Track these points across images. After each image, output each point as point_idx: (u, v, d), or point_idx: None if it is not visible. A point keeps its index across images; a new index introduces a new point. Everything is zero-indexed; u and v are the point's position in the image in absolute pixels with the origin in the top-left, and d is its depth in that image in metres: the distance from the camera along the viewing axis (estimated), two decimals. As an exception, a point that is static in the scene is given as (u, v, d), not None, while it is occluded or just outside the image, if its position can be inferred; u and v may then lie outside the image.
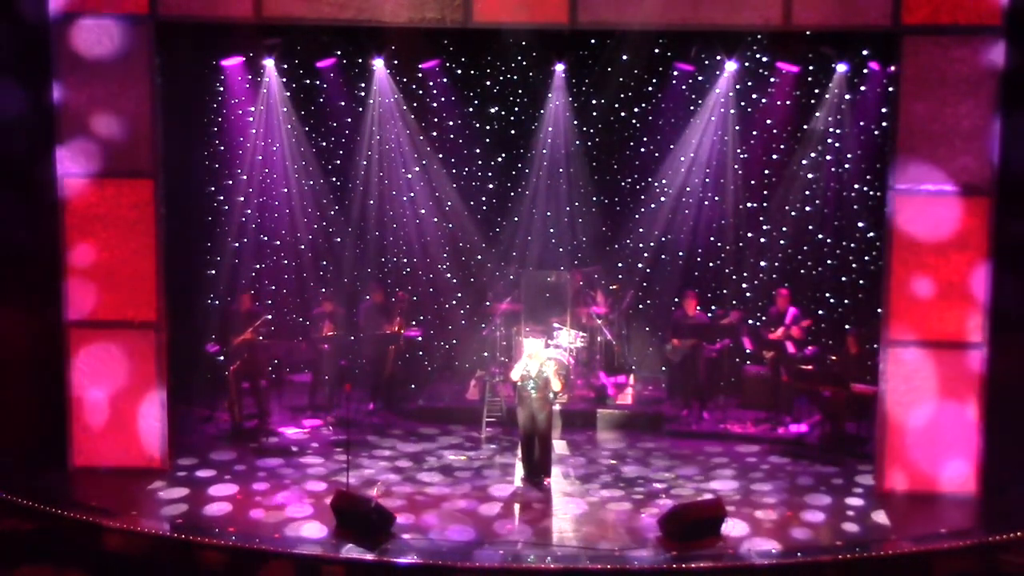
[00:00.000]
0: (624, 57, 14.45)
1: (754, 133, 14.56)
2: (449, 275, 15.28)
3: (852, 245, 14.10)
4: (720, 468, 11.94)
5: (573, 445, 12.72)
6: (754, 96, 14.37)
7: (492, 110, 15.07)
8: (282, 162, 14.48)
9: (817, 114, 14.03)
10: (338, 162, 15.02)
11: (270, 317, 13.42)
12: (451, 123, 15.05)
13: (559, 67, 14.20)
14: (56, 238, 11.17)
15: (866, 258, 13.93)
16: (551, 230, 15.20)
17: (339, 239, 15.02)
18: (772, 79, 14.14)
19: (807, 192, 14.41)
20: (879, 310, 11.39)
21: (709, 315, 14.07)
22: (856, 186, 14.00)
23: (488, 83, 14.96)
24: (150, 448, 11.43)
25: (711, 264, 14.84)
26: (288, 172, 14.58)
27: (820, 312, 14.27)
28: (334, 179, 14.99)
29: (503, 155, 15.15)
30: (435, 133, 15.00)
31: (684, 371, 13.85)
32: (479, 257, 15.29)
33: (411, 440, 12.87)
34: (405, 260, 15.17)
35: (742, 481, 11.54)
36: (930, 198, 10.77)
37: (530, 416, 11.26)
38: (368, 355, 14.18)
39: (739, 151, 14.58)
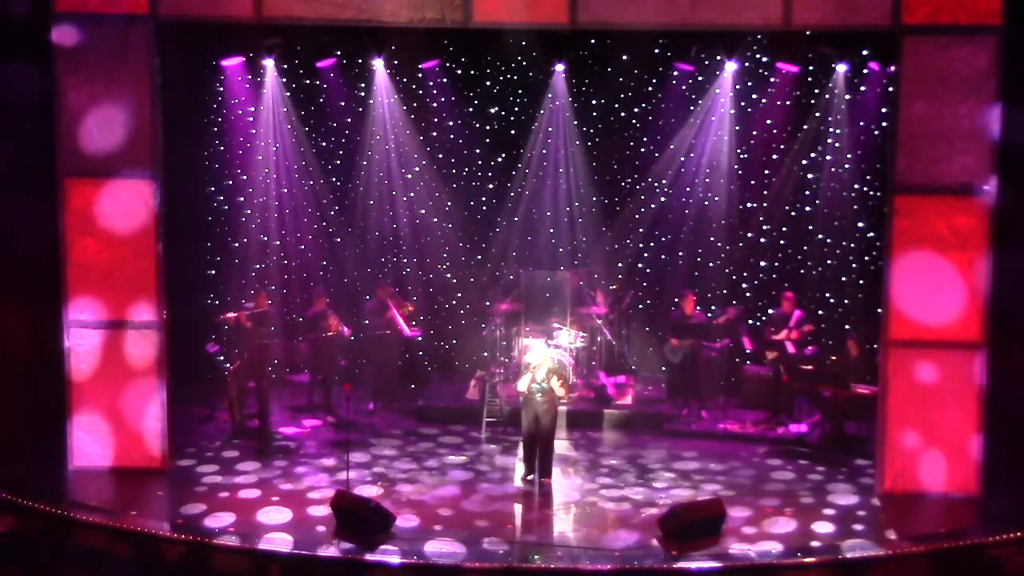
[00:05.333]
0: (624, 57, 14.45)
1: (754, 133, 14.54)
2: (449, 275, 15.28)
3: (852, 245, 14.09)
4: (720, 468, 11.94)
5: (573, 445, 12.71)
6: (754, 96, 14.36)
7: (492, 110, 15.06)
8: (282, 162, 14.46)
9: (817, 114, 14.02)
10: (338, 162, 15.01)
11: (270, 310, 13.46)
12: (451, 123, 15.04)
13: (559, 67, 14.17)
14: (56, 238, 11.17)
15: (866, 258, 13.93)
16: (551, 230, 15.19)
17: (339, 239, 15.02)
18: (772, 79, 14.12)
19: (807, 192, 14.41)
20: (879, 310, 11.39)
21: (708, 315, 14.07)
22: (856, 186, 13.99)
23: (488, 83, 14.95)
24: (150, 448, 11.42)
25: (711, 264, 14.82)
26: (288, 172, 14.56)
27: (820, 312, 14.26)
28: (334, 179, 14.98)
29: (503, 155, 15.13)
30: (435, 133, 14.99)
31: (684, 371, 13.85)
32: (479, 257, 15.29)
33: (411, 440, 12.87)
34: (405, 260, 15.16)
35: (742, 481, 11.54)
36: (930, 197, 10.76)
37: (534, 418, 11.22)
38: (371, 355, 14.18)
39: (739, 151, 14.57)
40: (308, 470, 11.73)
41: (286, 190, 14.64)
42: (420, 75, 14.71)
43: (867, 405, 11.99)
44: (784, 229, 14.61)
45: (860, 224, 13.99)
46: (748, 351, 14.11)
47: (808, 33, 12.14)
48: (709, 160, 14.56)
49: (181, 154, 12.65)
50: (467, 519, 10.51)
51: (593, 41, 14.24)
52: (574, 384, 13.76)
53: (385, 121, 14.57)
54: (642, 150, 14.93)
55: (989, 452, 10.86)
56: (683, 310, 13.75)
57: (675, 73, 14.44)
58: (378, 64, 14.10)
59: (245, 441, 12.60)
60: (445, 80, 14.78)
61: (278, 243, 14.76)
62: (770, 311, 14.11)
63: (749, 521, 10.38)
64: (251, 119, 14.23)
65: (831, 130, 14.00)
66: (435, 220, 15.07)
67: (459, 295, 15.33)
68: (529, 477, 11.36)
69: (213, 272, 14.48)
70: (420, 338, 14.46)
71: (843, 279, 14.21)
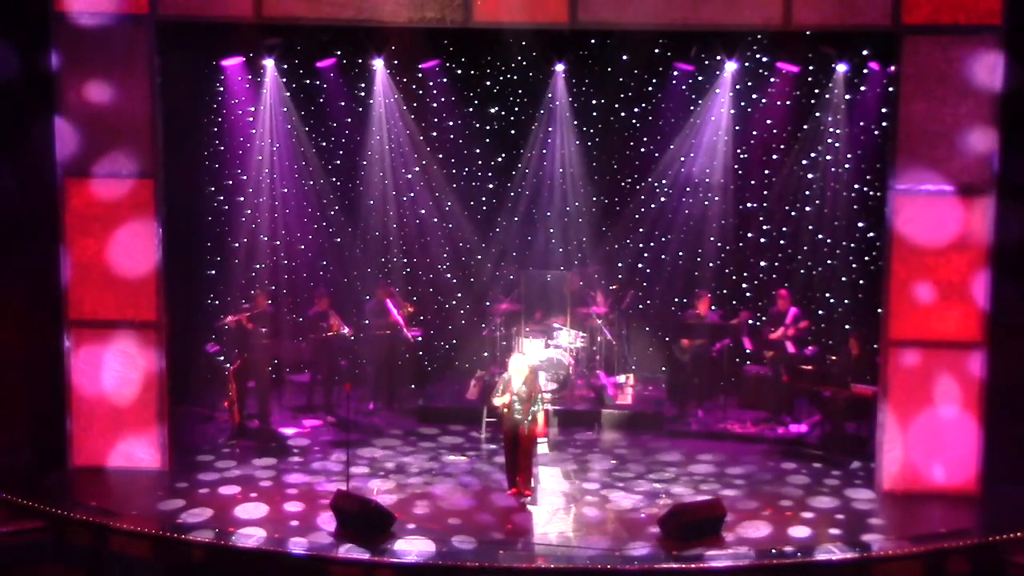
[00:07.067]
0: (624, 57, 14.46)
1: (754, 133, 14.55)
2: (449, 275, 15.28)
3: (852, 245, 14.09)
4: (720, 468, 11.94)
5: (573, 445, 12.71)
6: (754, 96, 14.36)
7: (492, 110, 15.07)
8: (282, 162, 14.47)
9: (817, 114, 14.03)
10: (338, 162, 15.01)
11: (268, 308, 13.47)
12: (451, 123, 15.04)
13: (559, 67, 14.19)
14: (56, 238, 11.17)
15: (866, 258, 13.93)
16: (551, 230, 15.19)
17: (339, 239, 15.02)
18: (772, 79, 14.13)
19: (807, 192, 14.41)
20: (879, 310, 11.39)
21: (719, 316, 14.09)
22: (856, 186, 13.99)
23: (488, 83, 14.96)
24: (150, 448, 11.43)
25: (711, 264, 14.82)
26: (288, 172, 14.57)
27: (820, 312, 14.27)
28: (334, 179, 14.98)
29: (503, 155, 15.14)
30: (435, 133, 15.00)
31: (691, 371, 13.84)
32: (479, 257, 15.28)
33: (411, 440, 12.87)
34: (405, 260, 15.17)
35: (742, 481, 11.54)
36: (930, 198, 10.77)
37: (513, 428, 10.94)
38: (371, 354, 14.19)
39: (739, 151, 14.58)
40: (307, 470, 11.73)
41: (286, 190, 14.65)
42: (420, 75, 14.71)
43: (867, 405, 11.99)
44: (784, 229, 14.61)
45: (860, 224, 13.98)
46: (748, 351, 14.12)
47: (808, 33, 12.12)
48: (709, 160, 14.56)
49: (181, 154, 12.65)
50: (467, 519, 10.51)
51: (593, 41, 14.24)
52: (571, 381, 13.76)
53: (385, 121, 14.57)
54: (642, 150, 14.94)
55: (989, 452, 10.87)
56: (697, 310, 13.76)
57: (675, 73, 14.44)
58: (378, 64, 14.10)
59: (245, 441, 12.59)
60: (445, 80, 14.79)
61: (278, 243, 14.77)
62: (769, 310, 14.13)
63: (749, 521, 10.38)
64: (251, 119, 14.22)
65: (831, 130, 14.00)
66: (435, 220, 15.07)
67: (459, 295, 15.33)
68: (512, 491, 11.07)
69: (213, 272, 14.48)
70: (420, 338, 14.45)
71: (843, 279, 14.21)
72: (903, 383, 10.95)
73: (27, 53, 11.01)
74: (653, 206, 14.95)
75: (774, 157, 14.53)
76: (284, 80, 14.08)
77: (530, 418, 10.88)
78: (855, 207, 14.00)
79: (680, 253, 14.97)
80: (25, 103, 11.08)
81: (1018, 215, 10.72)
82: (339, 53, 14.28)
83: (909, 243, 10.84)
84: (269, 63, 13.72)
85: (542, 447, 12.10)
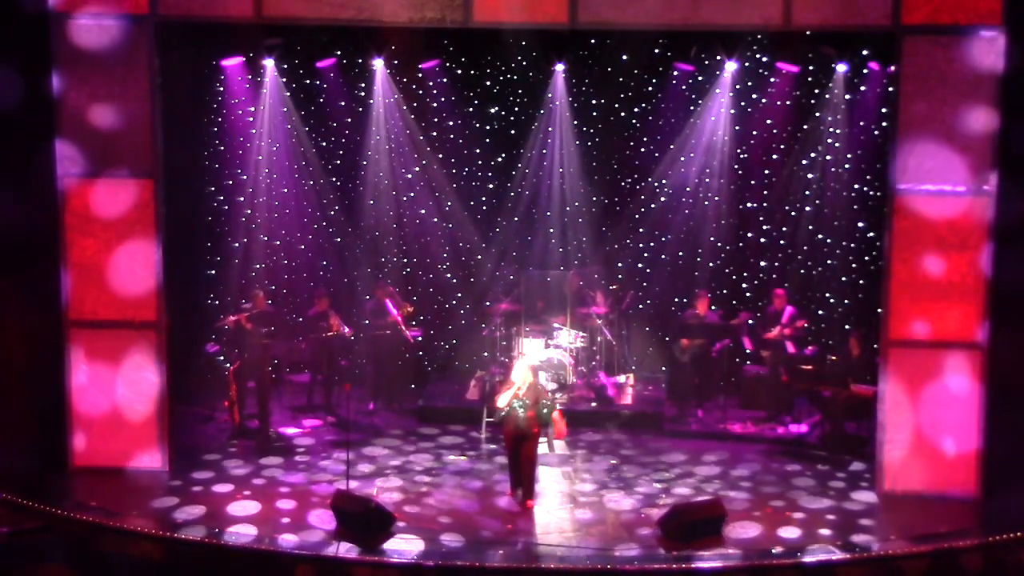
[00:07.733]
0: (624, 57, 14.44)
1: (754, 133, 14.54)
2: (449, 275, 15.28)
3: (852, 245, 14.09)
4: (720, 468, 11.94)
5: (573, 445, 12.71)
6: (754, 96, 14.35)
7: (492, 110, 15.05)
8: (282, 162, 14.48)
9: (817, 114, 14.03)
10: (338, 162, 14.99)
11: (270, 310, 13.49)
12: (451, 123, 15.03)
13: (559, 67, 14.19)
14: (56, 238, 11.18)
15: (866, 258, 13.92)
16: (551, 230, 15.18)
17: (339, 239, 15.02)
18: (772, 79, 14.11)
19: (807, 192, 14.40)
20: (879, 310, 11.39)
21: (719, 316, 14.09)
22: (856, 186, 13.98)
23: (488, 83, 14.94)
24: (150, 448, 11.43)
25: (711, 264, 14.81)
26: (288, 172, 14.57)
27: (820, 312, 14.26)
28: (334, 179, 14.96)
29: (503, 155, 15.12)
30: (435, 133, 14.98)
31: (688, 371, 13.83)
32: (479, 257, 15.28)
33: (411, 440, 12.87)
34: (405, 260, 15.17)
35: (742, 481, 11.54)
36: (930, 198, 10.77)
37: (515, 430, 10.86)
38: (371, 354, 14.19)
39: (739, 151, 14.57)
40: (307, 470, 11.73)
41: (286, 190, 14.65)
42: (420, 75, 14.70)
43: (867, 405, 11.99)
44: (784, 229, 14.60)
45: (860, 224, 13.97)
46: (748, 351, 14.12)
47: (808, 33, 12.13)
48: (709, 160, 14.55)
49: (181, 154, 12.64)
50: (467, 519, 10.51)
51: (593, 41, 14.22)
52: (572, 384, 13.77)
53: (385, 121, 14.57)
54: (642, 150, 14.92)
55: (990, 451, 10.86)
56: (696, 310, 13.76)
57: (675, 73, 14.42)
58: (378, 64, 14.10)
59: (245, 441, 12.59)
60: (445, 80, 14.77)
61: (278, 243, 14.77)
62: (766, 310, 14.13)
63: (748, 521, 10.38)
64: (251, 119, 14.22)
65: (831, 130, 13.99)
66: (435, 220, 15.07)
67: (459, 295, 15.33)
68: (518, 492, 11.01)
69: (213, 272, 14.48)
70: (420, 338, 14.45)
71: (843, 279, 14.21)
72: (903, 383, 10.95)
73: (26, 55, 11.00)
74: (653, 206, 14.93)
75: (774, 157, 14.51)
76: (284, 80, 14.08)
77: (545, 424, 10.89)
78: (855, 207, 13.98)
79: (680, 253, 14.96)
80: (25, 104, 11.07)
81: (1018, 215, 10.71)
82: (339, 53, 14.27)
83: (909, 243, 10.84)
84: (269, 63, 13.72)
85: (543, 447, 12.09)
